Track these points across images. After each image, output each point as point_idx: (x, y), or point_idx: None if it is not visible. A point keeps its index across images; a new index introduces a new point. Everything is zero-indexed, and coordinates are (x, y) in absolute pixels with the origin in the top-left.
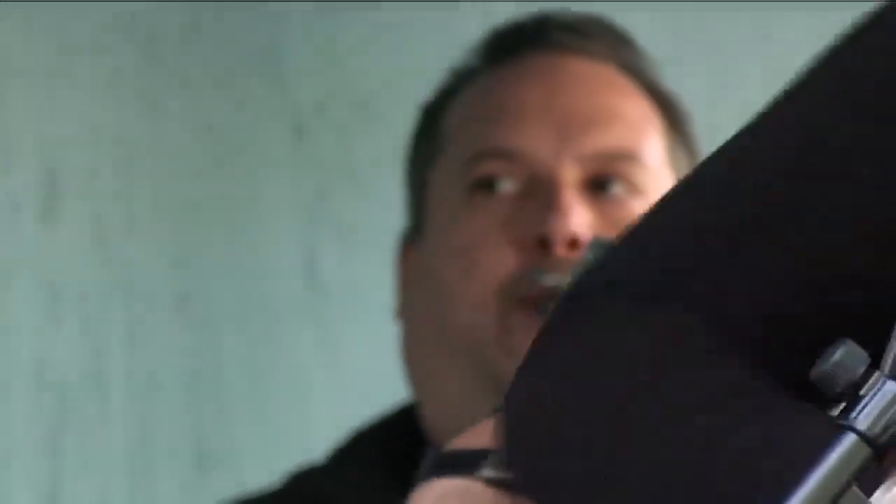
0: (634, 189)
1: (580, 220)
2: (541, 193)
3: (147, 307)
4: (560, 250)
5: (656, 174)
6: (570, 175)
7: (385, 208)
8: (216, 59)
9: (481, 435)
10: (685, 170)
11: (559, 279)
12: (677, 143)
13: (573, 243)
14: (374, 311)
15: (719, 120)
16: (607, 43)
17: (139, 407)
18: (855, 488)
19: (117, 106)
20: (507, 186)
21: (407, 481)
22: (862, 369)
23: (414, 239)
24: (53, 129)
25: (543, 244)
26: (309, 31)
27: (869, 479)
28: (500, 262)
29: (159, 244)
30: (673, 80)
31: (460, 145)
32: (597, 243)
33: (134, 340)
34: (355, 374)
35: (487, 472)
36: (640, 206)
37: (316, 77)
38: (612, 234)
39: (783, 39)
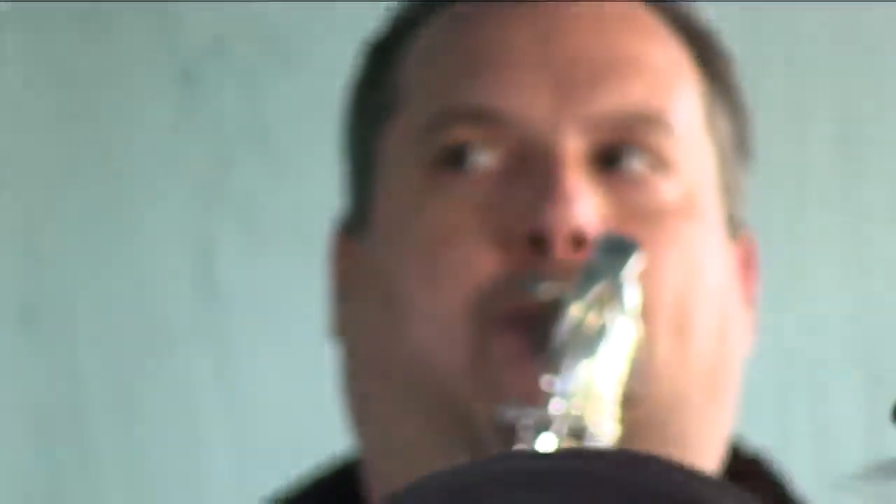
0: (660, 163)
1: (587, 208)
2: (533, 171)
3: None
4: (559, 250)
5: (689, 142)
6: (572, 145)
7: (307, 185)
8: None
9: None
10: (727, 135)
11: (557, 289)
12: (717, 100)
13: (577, 241)
14: (293, 328)
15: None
16: None
17: None
18: None
19: None
20: (485, 160)
21: None
22: None
23: (355, 230)
24: None
25: (536, 242)
26: None
27: None
28: (477, 264)
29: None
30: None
31: (421, 102)
32: (608, 241)
33: None
34: (266, 416)
35: None
36: (666, 186)
37: (211, 7)
38: (629, 226)
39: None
